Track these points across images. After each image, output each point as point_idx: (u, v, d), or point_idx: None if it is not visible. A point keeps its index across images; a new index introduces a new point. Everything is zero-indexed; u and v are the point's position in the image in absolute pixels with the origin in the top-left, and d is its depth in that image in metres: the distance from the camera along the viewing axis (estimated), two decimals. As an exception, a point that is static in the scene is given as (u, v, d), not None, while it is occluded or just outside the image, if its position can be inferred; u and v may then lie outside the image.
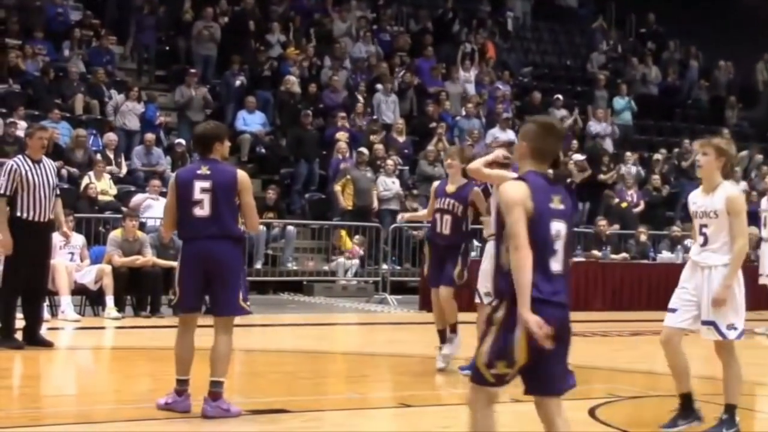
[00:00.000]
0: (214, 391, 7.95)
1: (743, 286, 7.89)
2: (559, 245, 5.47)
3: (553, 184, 5.53)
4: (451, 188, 10.66)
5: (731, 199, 7.81)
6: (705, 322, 7.85)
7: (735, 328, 7.80)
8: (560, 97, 27.26)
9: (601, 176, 24.22)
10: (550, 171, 5.58)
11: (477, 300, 10.73)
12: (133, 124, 21.36)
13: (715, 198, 7.86)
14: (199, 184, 8.02)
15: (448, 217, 10.57)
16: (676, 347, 7.98)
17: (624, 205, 23.07)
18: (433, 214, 10.74)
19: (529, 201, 5.37)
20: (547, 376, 5.52)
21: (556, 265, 5.44)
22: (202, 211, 7.99)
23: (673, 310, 7.99)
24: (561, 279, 5.46)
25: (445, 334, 10.79)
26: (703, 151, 7.96)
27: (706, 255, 7.91)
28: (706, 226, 7.91)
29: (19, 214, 11.36)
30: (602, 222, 20.69)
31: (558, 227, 5.47)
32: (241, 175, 8.23)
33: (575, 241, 4.75)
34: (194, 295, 8.05)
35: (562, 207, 5.50)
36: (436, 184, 11.03)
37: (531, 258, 5.30)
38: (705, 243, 7.92)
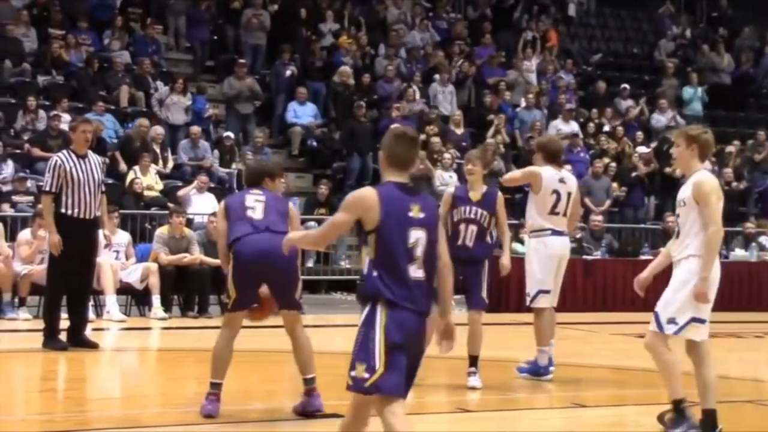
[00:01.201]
0: (314, 387, 8.25)
1: (714, 282, 7.70)
2: (419, 252, 5.84)
3: (413, 194, 5.95)
4: (475, 195, 10.11)
5: (697, 184, 7.70)
6: (654, 312, 7.78)
7: (675, 323, 7.67)
8: (627, 86, 27.10)
9: (668, 170, 24.05)
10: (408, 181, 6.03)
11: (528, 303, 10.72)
12: (178, 117, 21.43)
13: (686, 186, 7.80)
14: (252, 197, 8.37)
15: (473, 228, 10.04)
16: (699, 355, 7.87)
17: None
18: (454, 225, 10.12)
19: (375, 212, 5.81)
20: (409, 378, 5.94)
21: (416, 272, 5.82)
22: (255, 214, 8.26)
23: None
24: (420, 285, 5.83)
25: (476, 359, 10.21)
26: (675, 142, 7.92)
27: (675, 248, 7.83)
28: (678, 215, 7.85)
29: (63, 210, 11.46)
30: (671, 218, 20.54)
31: (417, 235, 5.84)
32: (291, 205, 8.65)
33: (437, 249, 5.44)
34: (251, 294, 8.21)
35: (422, 216, 5.88)
36: (450, 190, 10.50)
37: (316, 246, 6.27)
38: (678, 235, 7.83)
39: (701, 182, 7.69)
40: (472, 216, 10.07)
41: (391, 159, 6.12)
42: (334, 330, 15.20)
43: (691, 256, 7.67)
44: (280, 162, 9.31)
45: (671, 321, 7.68)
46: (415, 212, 5.88)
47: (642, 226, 22.56)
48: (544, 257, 10.55)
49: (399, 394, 5.85)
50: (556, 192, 10.50)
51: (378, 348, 5.76)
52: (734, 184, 23.79)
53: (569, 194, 10.57)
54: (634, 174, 23.30)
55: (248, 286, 8.18)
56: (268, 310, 8.41)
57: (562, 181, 10.55)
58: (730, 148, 25.28)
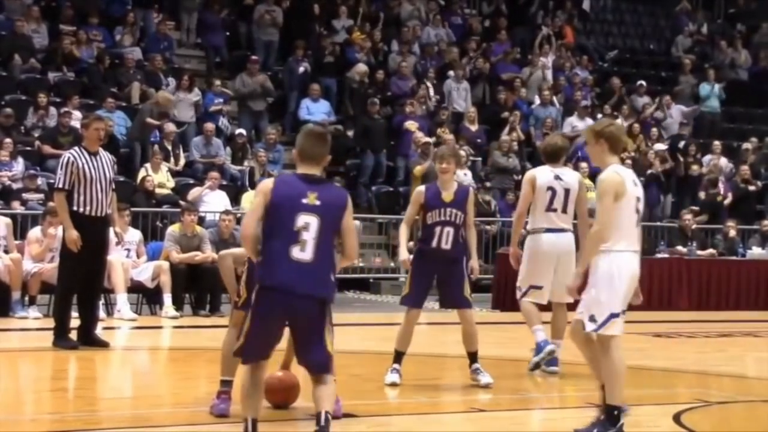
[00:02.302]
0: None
1: (623, 276, 7.61)
2: (308, 236, 6.55)
3: (314, 183, 6.69)
4: (448, 196, 9.94)
5: (599, 182, 7.69)
6: None
7: (594, 321, 7.62)
8: (643, 83, 27.06)
9: (695, 167, 24.03)
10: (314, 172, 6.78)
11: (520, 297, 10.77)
12: (185, 114, 21.39)
13: None
14: None
15: (449, 229, 9.91)
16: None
17: (719, 198, 22.83)
18: (428, 227, 9.97)
19: (269, 196, 6.56)
20: (304, 356, 6.78)
21: (300, 253, 6.54)
22: None
23: None
24: (306, 267, 6.54)
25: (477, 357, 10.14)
26: (586, 140, 7.93)
27: None
28: None
29: (75, 208, 11.50)
30: (687, 216, 20.49)
31: (307, 220, 6.57)
32: None
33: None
34: None
35: (317, 203, 6.61)
36: (421, 189, 10.12)
37: (252, 241, 6.57)
38: None
39: (602, 180, 7.68)
40: (448, 218, 9.93)
41: (300, 154, 6.81)
42: (346, 329, 15.19)
43: (600, 251, 7.64)
44: None
45: (591, 319, 7.66)
46: (311, 199, 6.60)
47: (658, 224, 22.50)
48: (534, 254, 10.67)
49: (257, 360, 6.72)
50: (551, 189, 10.55)
51: (246, 325, 6.63)
52: (751, 182, 23.72)
53: (567, 191, 10.58)
54: (650, 171, 23.23)
55: None
56: (291, 396, 8.44)
57: (558, 177, 10.59)
58: (747, 145, 25.24)
